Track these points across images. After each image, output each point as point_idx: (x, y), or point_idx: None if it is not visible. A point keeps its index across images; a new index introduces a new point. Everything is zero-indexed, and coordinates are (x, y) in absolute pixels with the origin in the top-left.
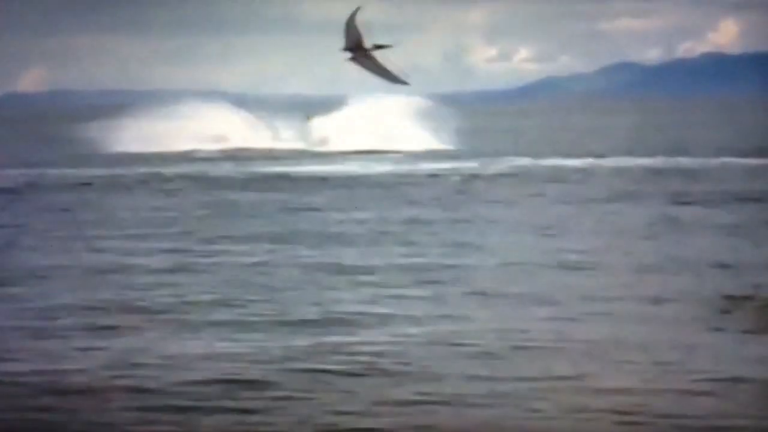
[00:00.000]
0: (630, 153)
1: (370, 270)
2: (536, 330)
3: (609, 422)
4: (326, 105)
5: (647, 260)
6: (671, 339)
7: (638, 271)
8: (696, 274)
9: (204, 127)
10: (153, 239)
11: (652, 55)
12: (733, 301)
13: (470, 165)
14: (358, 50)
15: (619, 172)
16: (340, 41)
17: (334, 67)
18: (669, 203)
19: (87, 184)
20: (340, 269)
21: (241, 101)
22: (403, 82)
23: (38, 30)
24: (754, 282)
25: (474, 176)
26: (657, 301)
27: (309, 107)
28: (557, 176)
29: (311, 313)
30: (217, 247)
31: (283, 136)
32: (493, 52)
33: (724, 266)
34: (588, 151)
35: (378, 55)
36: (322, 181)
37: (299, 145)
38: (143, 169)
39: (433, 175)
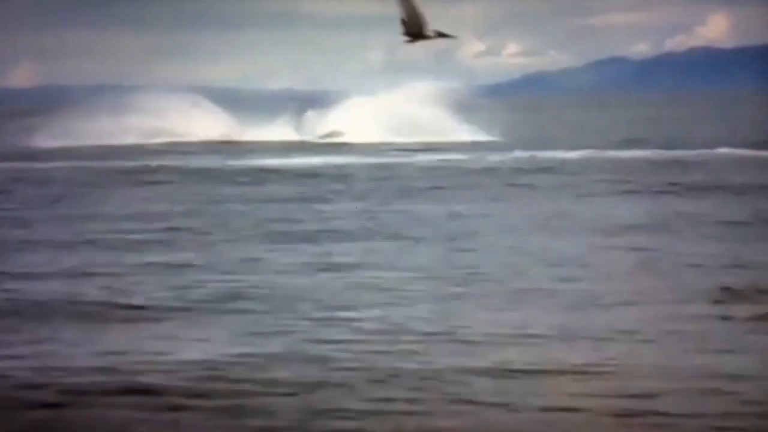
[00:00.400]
0: (621, 146)
1: (356, 264)
2: (536, 325)
3: (613, 422)
4: (322, 100)
5: (643, 251)
6: (671, 331)
7: (633, 262)
8: (692, 265)
9: (183, 121)
10: (141, 233)
11: (642, 49)
12: (732, 293)
13: (463, 157)
14: (418, 36)
15: (612, 163)
16: (335, 37)
17: (330, 63)
18: (662, 194)
19: (67, 179)
20: (327, 262)
21: (232, 95)
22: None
23: (30, 25)
24: (752, 274)
25: (469, 170)
26: (654, 293)
27: (304, 101)
28: (549, 169)
29: (306, 309)
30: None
31: (273, 129)
32: (482, 47)
33: (720, 258)
34: (578, 144)
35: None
36: (307, 174)
37: (291, 138)
38: (123, 162)
39: (430, 168)
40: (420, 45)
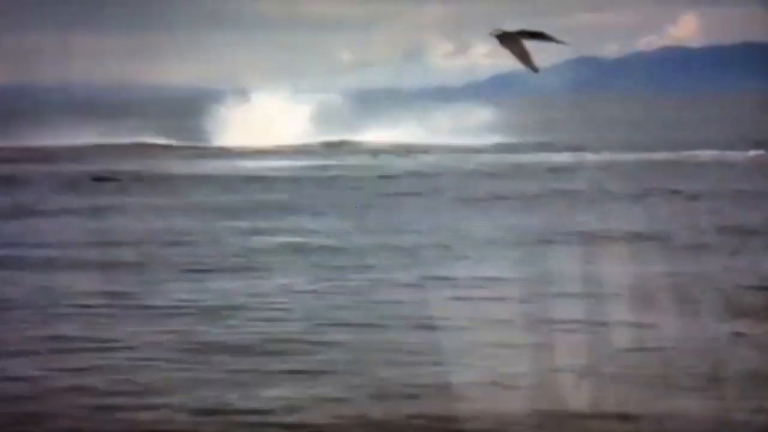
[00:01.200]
0: (585, 148)
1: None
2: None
3: None
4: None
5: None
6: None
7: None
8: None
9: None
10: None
11: (612, 49)
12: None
13: (441, 160)
14: (508, 33)
15: (602, 167)
16: (306, 38)
17: (300, 62)
18: (652, 198)
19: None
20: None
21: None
22: (536, 70)
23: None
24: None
25: (444, 173)
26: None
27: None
28: (538, 173)
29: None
30: None
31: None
32: (450, 47)
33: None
34: (564, 147)
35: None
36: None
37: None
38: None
39: (385, 177)
40: (389, 46)
